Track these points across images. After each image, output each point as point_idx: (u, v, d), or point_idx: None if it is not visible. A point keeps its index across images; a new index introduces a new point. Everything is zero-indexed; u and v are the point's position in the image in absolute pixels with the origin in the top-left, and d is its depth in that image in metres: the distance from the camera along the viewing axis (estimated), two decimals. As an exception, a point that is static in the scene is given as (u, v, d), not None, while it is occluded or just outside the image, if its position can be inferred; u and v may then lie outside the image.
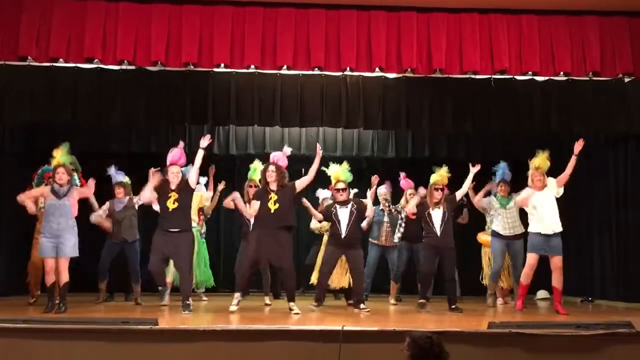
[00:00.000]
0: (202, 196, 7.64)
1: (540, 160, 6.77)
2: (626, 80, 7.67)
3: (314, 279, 7.45)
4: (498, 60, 6.32)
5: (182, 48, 6.19)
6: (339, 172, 6.89)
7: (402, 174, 7.96)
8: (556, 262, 6.60)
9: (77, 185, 6.70)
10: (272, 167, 6.40)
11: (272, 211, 6.26)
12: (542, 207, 6.68)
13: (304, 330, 4.76)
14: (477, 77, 7.45)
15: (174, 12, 6.23)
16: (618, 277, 8.21)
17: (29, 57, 6.25)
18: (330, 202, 7.22)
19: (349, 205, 6.76)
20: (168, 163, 6.32)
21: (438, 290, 7.53)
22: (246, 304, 6.94)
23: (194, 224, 6.99)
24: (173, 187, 6.28)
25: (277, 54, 6.23)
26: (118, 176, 7.60)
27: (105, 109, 7.72)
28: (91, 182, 6.45)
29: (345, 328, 4.68)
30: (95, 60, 6.46)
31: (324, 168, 7.17)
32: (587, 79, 7.46)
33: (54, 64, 7.23)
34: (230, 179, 8.69)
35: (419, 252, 7.29)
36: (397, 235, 7.80)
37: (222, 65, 6.37)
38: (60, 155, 6.35)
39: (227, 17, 6.24)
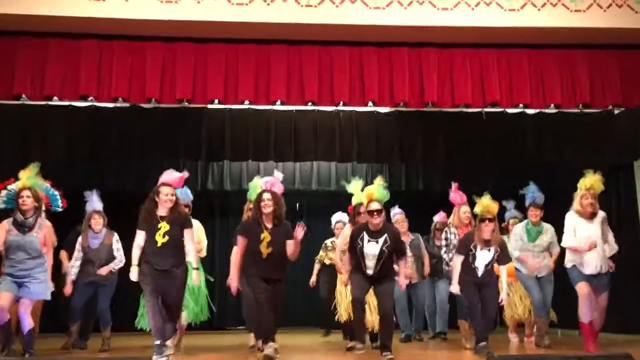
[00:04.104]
0: (198, 231, 6.58)
1: (593, 180, 5.64)
2: (615, 111, 7.80)
3: (344, 315, 6.25)
4: (489, 93, 6.40)
5: (176, 85, 6.24)
6: (373, 190, 5.53)
7: (454, 185, 6.71)
8: (601, 301, 5.52)
9: (59, 207, 5.91)
10: (267, 195, 5.26)
11: (265, 256, 5.19)
12: (587, 241, 5.49)
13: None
14: (469, 110, 7.54)
15: (168, 49, 6.30)
16: (615, 309, 8.16)
17: (24, 96, 6.24)
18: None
19: (381, 240, 5.33)
20: (160, 182, 5.21)
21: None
22: (242, 341, 6.81)
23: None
24: (163, 214, 5.11)
25: (271, 89, 6.28)
26: (98, 203, 6.45)
27: (99, 146, 7.76)
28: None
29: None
30: (90, 98, 6.48)
31: (343, 183, 6.36)
32: (578, 110, 7.57)
33: (48, 103, 7.32)
34: (225, 215, 8.68)
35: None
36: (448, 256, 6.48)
37: (216, 101, 6.37)
38: (27, 177, 5.42)
39: (221, 53, 6.31)
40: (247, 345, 6.32)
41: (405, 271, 5.67)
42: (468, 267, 5.63)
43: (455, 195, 6.67)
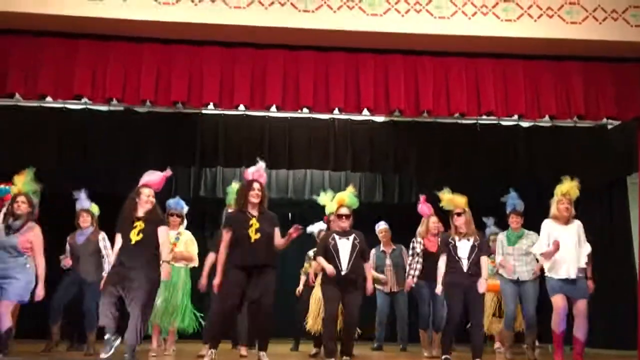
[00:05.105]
0: (188, 241, 6.72)
1: (569, 186, 5.78)
2: (609, 127, 7.84)
3: (310, 325, 6.61)
4: (485, 103, 6.39)
5: (171, 87, 6.19)
6: (344, 196, 5.95)
7: (422, 197, 6.94)
8: (580, 307, 5.60)
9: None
10: (257, 185, 5.42)
11: (253, 241, 5.27)
12: (563, 246, 5.56)
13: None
14: (464, 122, 7.56)
15: (164, 51, 6.27)
16: (604, 324, 8.12)
17: (17, 94, 6.20)
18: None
19: (351, 237, 5.69)
20: (141, 183, 5.38)
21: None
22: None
23: (180, 262, 6.57)
24: (140, 214, 5.21)
25: (266, 93, 6.24)
26: (86, 202, 6.66)
27: (92, 149, 7.73)
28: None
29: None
30: (84, 99, 6.45)
31: (314, 197, 6.82)
32: (572, 125, 7.60)
33: (42, 104, 7.28)
34: (217, 222, 8.58)
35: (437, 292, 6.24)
36: (412, 273, 6.74)
37: (211, 104, 6.34)
38: (22, 182, 5.63)
39: (217, 57, 6.28)
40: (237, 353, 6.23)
41: (370, 275, 5.89)
42: (453, 262, 5.66)
43: (424, 207, 6.88)
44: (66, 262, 6.53)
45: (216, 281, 5.43)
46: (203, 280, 6.23)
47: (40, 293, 5.44)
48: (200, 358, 5.79)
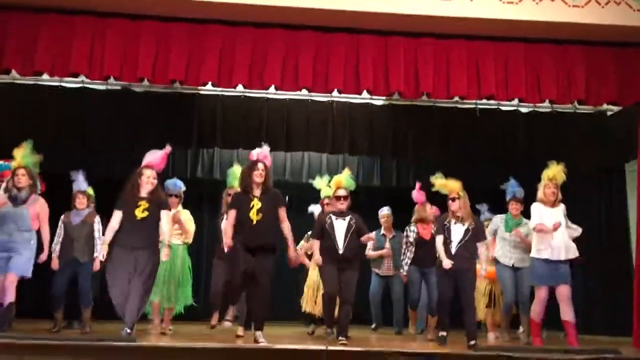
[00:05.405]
0: (186, 219, 6.69)
1: (555, 171, 5.98)
2: (609, 113, 7.83)
3: (305, 306, 6.86)
4: (485, 86, 6.34)
5: (169, 65, 6.12)
6: (341, 178, 6.08)
7: (418, 184, 6.95)
8: (562, 292, 5.73)
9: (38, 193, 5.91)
10: (261, 165, 5.43)
11: (255, 223, 5.27)
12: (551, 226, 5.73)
13: (289, 350, 4.68)
14: (463, 106, 7.54)
15: (163, 29, 6.19)
16: (602, 310, 8.15)
17: (13, 70, 6.13)
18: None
19: (347, 218, 5.83)
20: (143, 164, 5.49)
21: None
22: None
23: (178, 240, 6.58)
24: (144, 194, 5.37)
25: (265, 73, 6.18)
26: (83, 184, 6.65)
27: (90, 129, 7.70)
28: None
29: (330, 348, 4.65)
30: (81, 77, 6.39)
31: (310, 181, 6.92)
32: (572, 111, 7.58)
33: (38, 83, 7.24)
34: (214, 203, 8.57)
35: (430, 277, 6.60)
36: (406, 261, 6.94)
37: (210, 83, 6.29)
38: (21, 155, 5.70)
39: (216, 35, 6.21)
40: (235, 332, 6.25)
41: (370, 236, 6.06)
42: (445, 245, 5.83)
43: (419, 194, 6.96)
44: (54, 264, 6.41)
45: (228, 243, 5.39)
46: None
47: (43, 257, 5.77)
48: (212, 327, 5.96)
